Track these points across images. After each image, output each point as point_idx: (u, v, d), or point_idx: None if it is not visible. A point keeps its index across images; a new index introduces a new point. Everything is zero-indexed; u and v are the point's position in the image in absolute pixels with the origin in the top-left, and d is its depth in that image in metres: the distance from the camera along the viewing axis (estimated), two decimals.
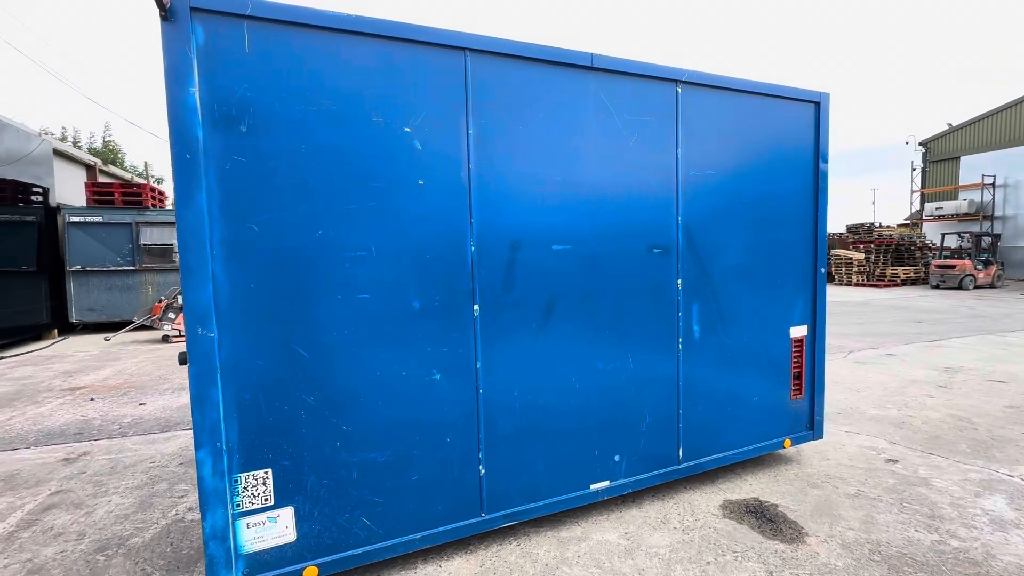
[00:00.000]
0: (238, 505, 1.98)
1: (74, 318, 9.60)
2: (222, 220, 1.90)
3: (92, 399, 5.24)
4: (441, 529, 2.33)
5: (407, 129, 2.16)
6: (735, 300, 3.04)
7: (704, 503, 2.88)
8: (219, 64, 1.86)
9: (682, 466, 2.94)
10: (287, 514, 2.06)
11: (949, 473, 3.20)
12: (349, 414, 2.14)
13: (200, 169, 1.84)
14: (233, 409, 1.95)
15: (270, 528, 2.04)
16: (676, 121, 2.77)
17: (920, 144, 27.15)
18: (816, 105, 3.22)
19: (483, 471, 2.41)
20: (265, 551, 2.03)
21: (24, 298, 8.79)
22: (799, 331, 3.29)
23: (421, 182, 2.20)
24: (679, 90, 2.77)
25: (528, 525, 2.66)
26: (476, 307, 2.35)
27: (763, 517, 2.71)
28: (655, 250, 2.77)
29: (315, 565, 2.10)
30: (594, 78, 2.55)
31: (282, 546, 2.06)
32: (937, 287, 18.15)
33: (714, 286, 2.96)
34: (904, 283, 19.77)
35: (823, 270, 3.32)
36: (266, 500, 2.02)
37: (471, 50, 2.26)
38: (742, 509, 2.80)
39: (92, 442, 4.02)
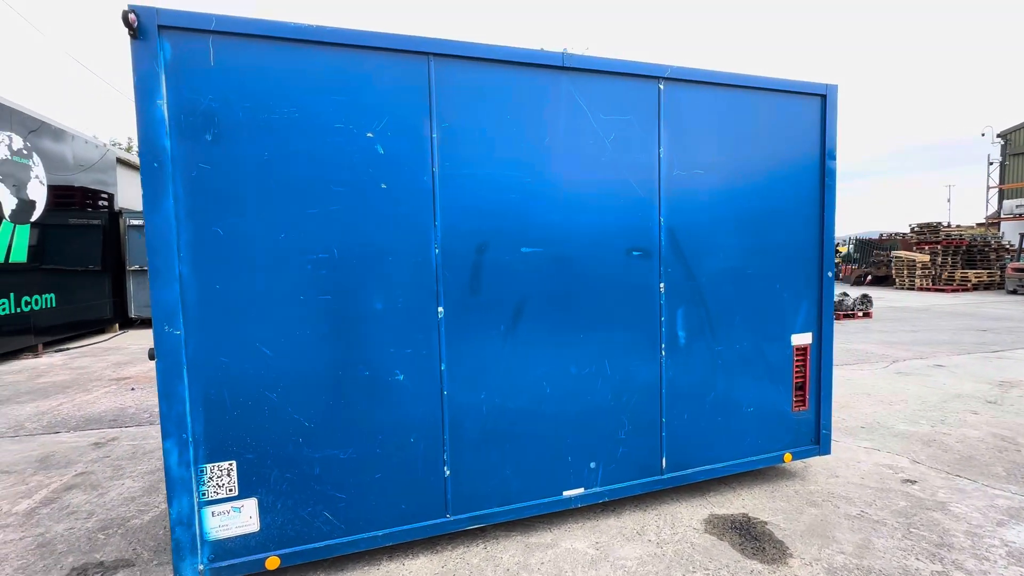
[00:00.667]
0: (204, 494, 2.09)
1: (132, 313, 10.41)
2: (189, 224, 2.02)
3: (133, 389, 5.67)
4: (404, 528, 2.37)
5: (369, 135, 2.21)
6: (727, 305, 2.90)
7: (688, 516, 2.76)
8: (186, 77, 1.97)
9: (666, 476, 2.84)
10: (251, 505, 2.16)
11: (973, 498, 2.91)
12: (311, 411, 2.21)
13: (168, 176, 1.96)
14: (199, 403, 2.07)
15: (235, 517, 2.14)
16: (658, 119, 2.68)
17: (999, 136, 24.83)
18: (822, 98, 3.02)
19: (448, 472, 2.43)
20: (230, 539, 2.14)
21: (90, 295, 9.61)
22: (802, 339, 3.10)
23: (384, 186, 2.25)
24: (662, 87, 2.67)
25: (499, 528, 2.65)
26: (440, 309, 2.37)
27: (748, 535, 2.57)
28: (634, 253, 2.68)
29: (278, 555, 2.18)
30: (567, 78, 2.51)
31: (246, 535, 2.16)
32: (1014, 292, 16.51)
33: (702, 290, 2.84)
34: (975, 288, 18.12)
35: (830, 274, 3.11)
36: (231, 491, 2.13)
37: (434, 55, 2.28)
38: (727, 525, 2.67)
39: (123, 428, 4.35)
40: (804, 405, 3.14)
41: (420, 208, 2.30)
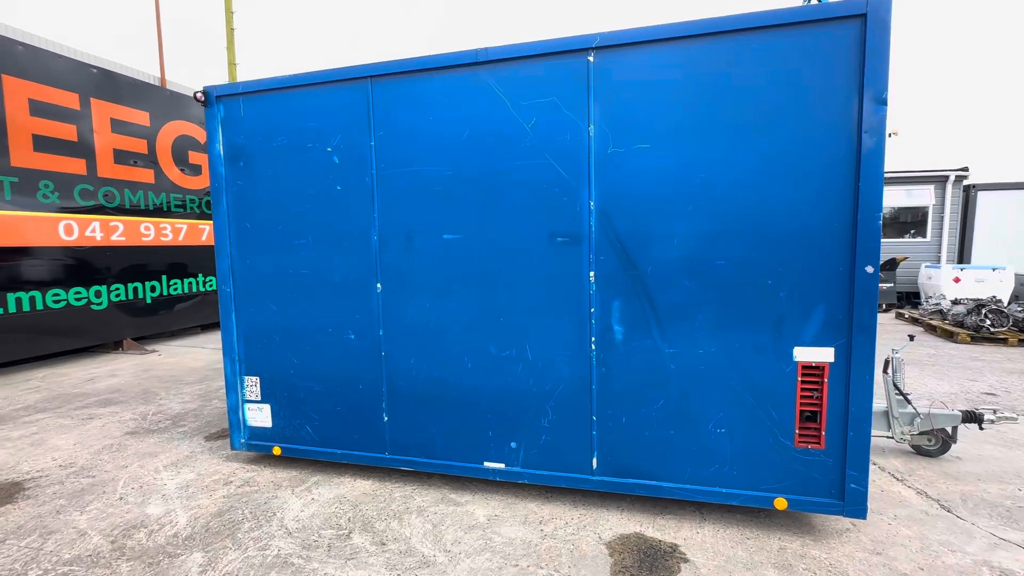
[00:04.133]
0: (244, 395, 3.25)
1: None
2: (234, 220, 3.14)
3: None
4: (355, 453, 3.05)
5: (329, 149, 2.90)
6: (683, 302, 2.46)
7: (609, 525, 2.55)
8: (230, 126, 3.07)
9: (595, 478, 2.66)
10: (267, 409, 3.21)
11: None
12: (298, 352, 3.10)
13: (222, 191, 3.11)
14: (241, 336, 3.21)
15: (259, 414, 3.23)
16: (588, 95, 2.48)
17: None
18: (861, 20, 2.15)
19: (387, 419, 2.98)
20: (257, 427, 3.25)
21: None
22: (815, 354, 2.32)
23: (339, 187, 2.91)
24: (591, 59, 2.46)
25: (439, 479, 3.04)
26: (379, 285, 2.90)
27: (647, 563, 2.25)
28: (559, 239, 2.59)
29: (280, 447, 3.19)
30: (487, 71, 2.62)
31: (264, 428, 3.23)
32: None
33: (646, 282, 2.49)
34: None
35: (870, 269, 2.21)
36: (256, 396, 3.22)
37: (372, 77, 2.78)
38: (638, 546, 2.37)
39: None
40: (818, 443, 2.36)
41: (363, 203, 2.88)
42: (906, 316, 8.84)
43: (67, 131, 6.07)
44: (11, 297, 5.60)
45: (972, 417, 3.17)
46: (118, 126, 6.66)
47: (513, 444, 2.78)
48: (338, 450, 3.09)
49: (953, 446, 3.31)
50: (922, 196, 10.88)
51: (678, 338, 2.48)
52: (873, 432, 3.32)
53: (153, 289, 7.20)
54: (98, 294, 6.49)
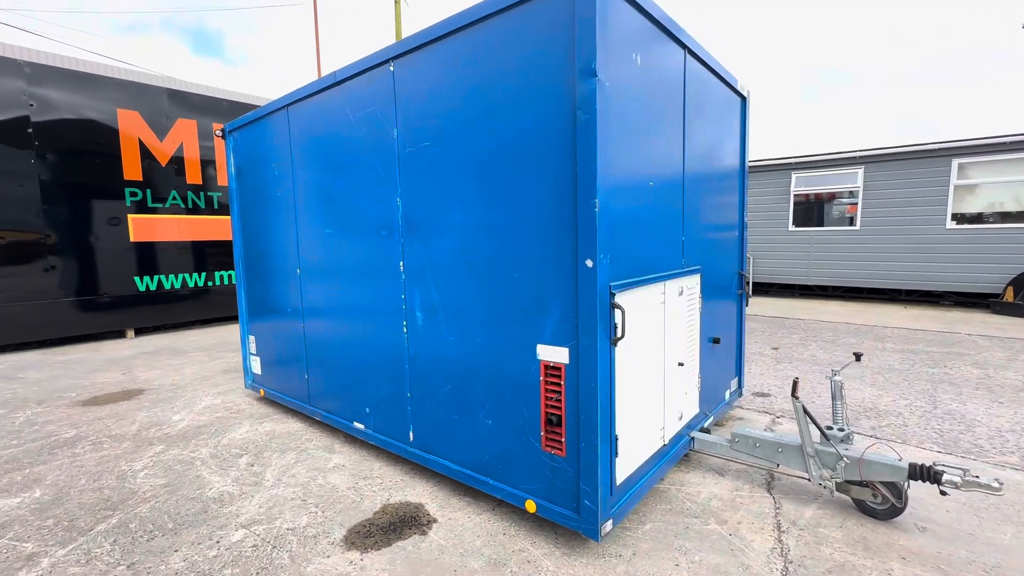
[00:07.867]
0: (249, 348, 4.43)
1: None
2: (239, 221, 4.30)
3: None
4: (295, 401, 3.90)
5: (274, 165, 3.77)
6: (457, 292, 2.54)
7: (407, 493, 2.79)
8: (236, 151, 4.21)
9: (411, 449, 2.92)
10: (259, 360, 4.32)
11: None
12: (269, 318, 4.10)
13: (234, 200, 4.30)
14: (247, 305, 4.38)
15: (255, 363, 4.37)
16: (394, 100, 2.74)
17: None
18: None
19: (307, 376, 3.74)
20: (255, 373, 4.40)
21: None
22: (553, 354, 2.18)
23: (279, 194, 3.76)
24: (392, 68, 2.71)
25: (343, 433, 3.66)
26: (298, 270, 3.66)
27: (394, 526, 2.48)
28: (382, 232, 2.92)
29: (264, 389, 4.27)
30: (342, 90, 3.09)
31: (259, 374, 4.35)
32: None
33: (434, 271, 2.64)
34: None
35: (590, 263, 1.99)
36: (254, 350, 4.36)
37: (288, 104, 3.52)
38: (403, 513, 2.59)
39: None
40: (560, 450, 2.20)
41: (290, 205, 3.66)
42: None
43: None
44: (217, 274, 8.28)
45: (923, 473, 2.27)
46: None
47: (367, 410, 3.22)
48: (286, 396, 3.99)
49: (909, 510, 2.41)
50: None
51: (456, 327, 2.57)
52: (791, 472, 2.68)
53: None
54: None
